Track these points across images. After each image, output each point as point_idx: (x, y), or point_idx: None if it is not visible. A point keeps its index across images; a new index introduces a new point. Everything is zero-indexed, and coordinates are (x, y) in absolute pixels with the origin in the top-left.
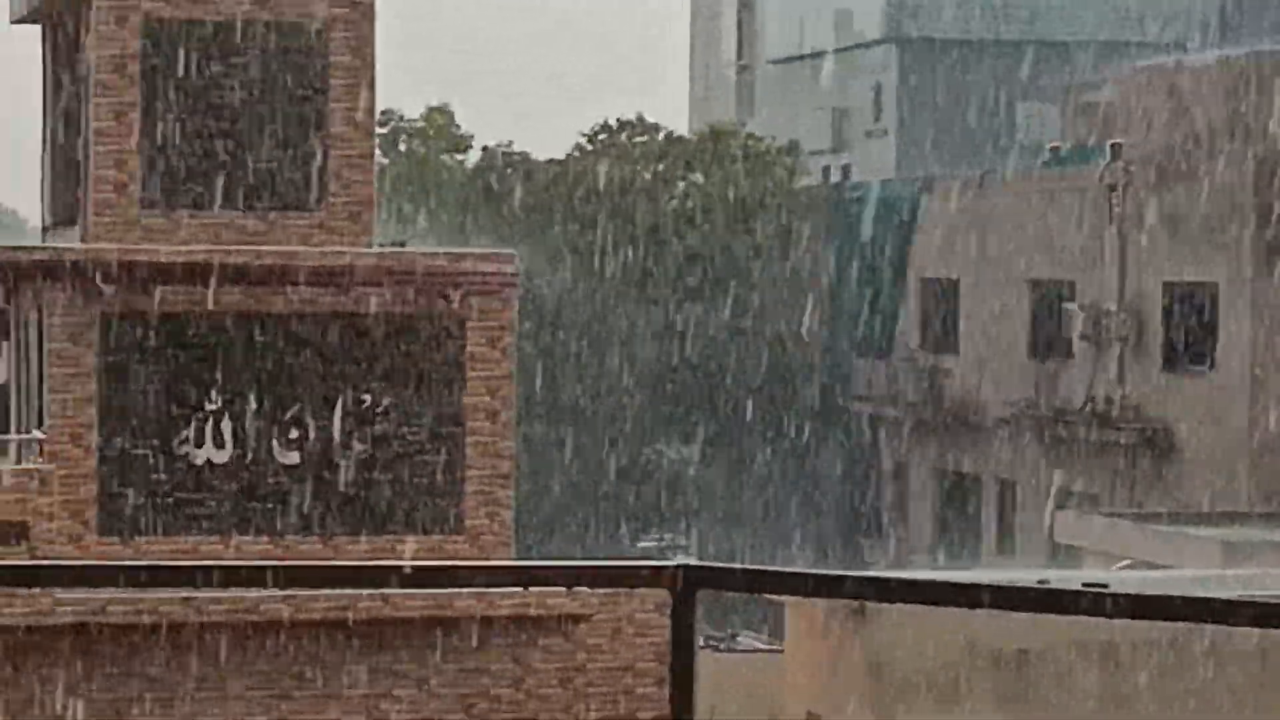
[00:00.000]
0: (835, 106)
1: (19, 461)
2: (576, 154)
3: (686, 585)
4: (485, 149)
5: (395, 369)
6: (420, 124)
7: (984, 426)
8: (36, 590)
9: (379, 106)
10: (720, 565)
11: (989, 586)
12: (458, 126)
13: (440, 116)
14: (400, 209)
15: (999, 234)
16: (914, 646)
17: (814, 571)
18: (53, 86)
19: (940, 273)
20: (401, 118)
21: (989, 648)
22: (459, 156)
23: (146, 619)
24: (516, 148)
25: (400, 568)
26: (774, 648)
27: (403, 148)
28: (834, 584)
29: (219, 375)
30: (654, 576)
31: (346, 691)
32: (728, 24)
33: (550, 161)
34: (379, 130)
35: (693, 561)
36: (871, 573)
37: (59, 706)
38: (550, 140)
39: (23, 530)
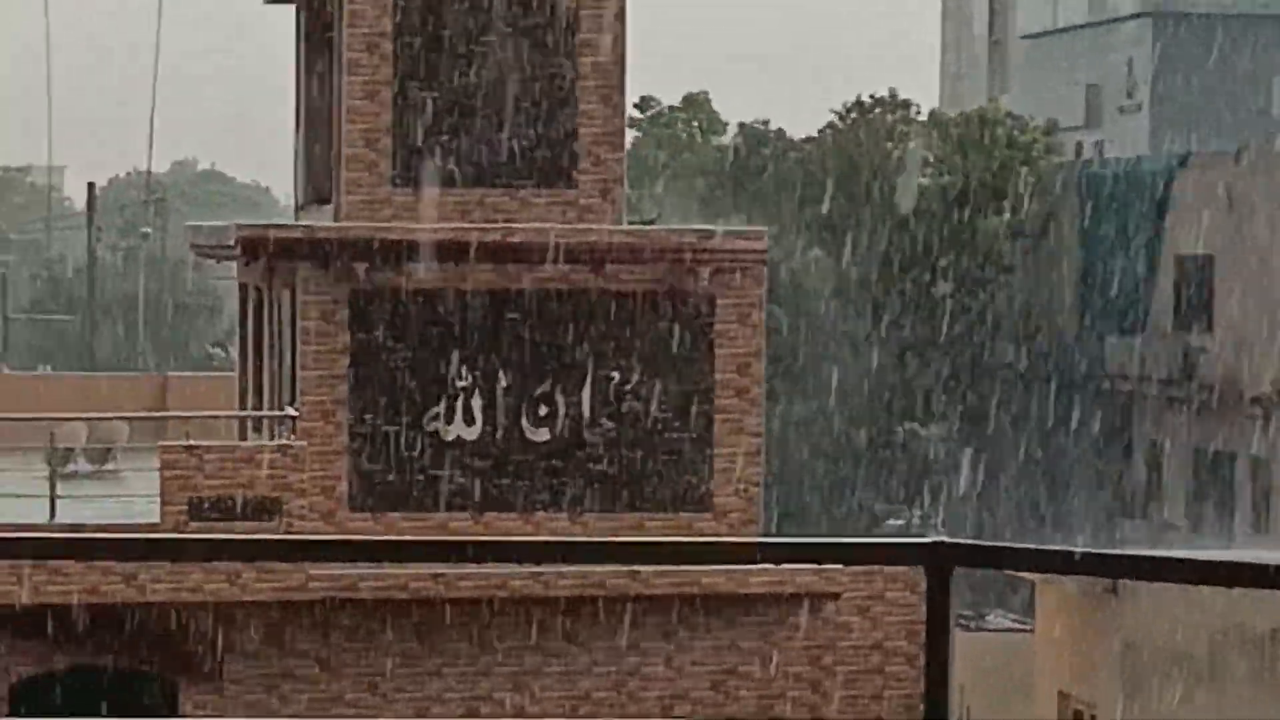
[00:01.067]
0: (1088, 82)
1: (272, 438)
2: (829, 132)
3: (943, 562)
4: (741, 125)
5: (644, 346)
6: (678, 108)
7: (1239, 405)
8: (289, 566)
9: (637, 93)
10: (977, 542)
11: (1248, 565)
12: (714, 110)
13: (697, 101)
14: (656, 189)
15: (1255, 210)
16: (1167, 626)
17: (1072, 549)
18: (305, 66)
19: (1195, 249)
20: (659, 103)
21: (1244, 627)
22: (715, 138)
23: (396, 594)
24: (771, 126)
25: (650, 544)
26: (1024, 627)
27: (660, 130)
28: (1093, 562)
29: (469, 352)
30: (910, 554)
31: (595, 668)
32: (980, 0)
33: (804, 140)
34: (638, 115)
35: (949, 538)
36: (1130, 551)
37: (311, 680)
38: (804, 119)
39: (276, 506)
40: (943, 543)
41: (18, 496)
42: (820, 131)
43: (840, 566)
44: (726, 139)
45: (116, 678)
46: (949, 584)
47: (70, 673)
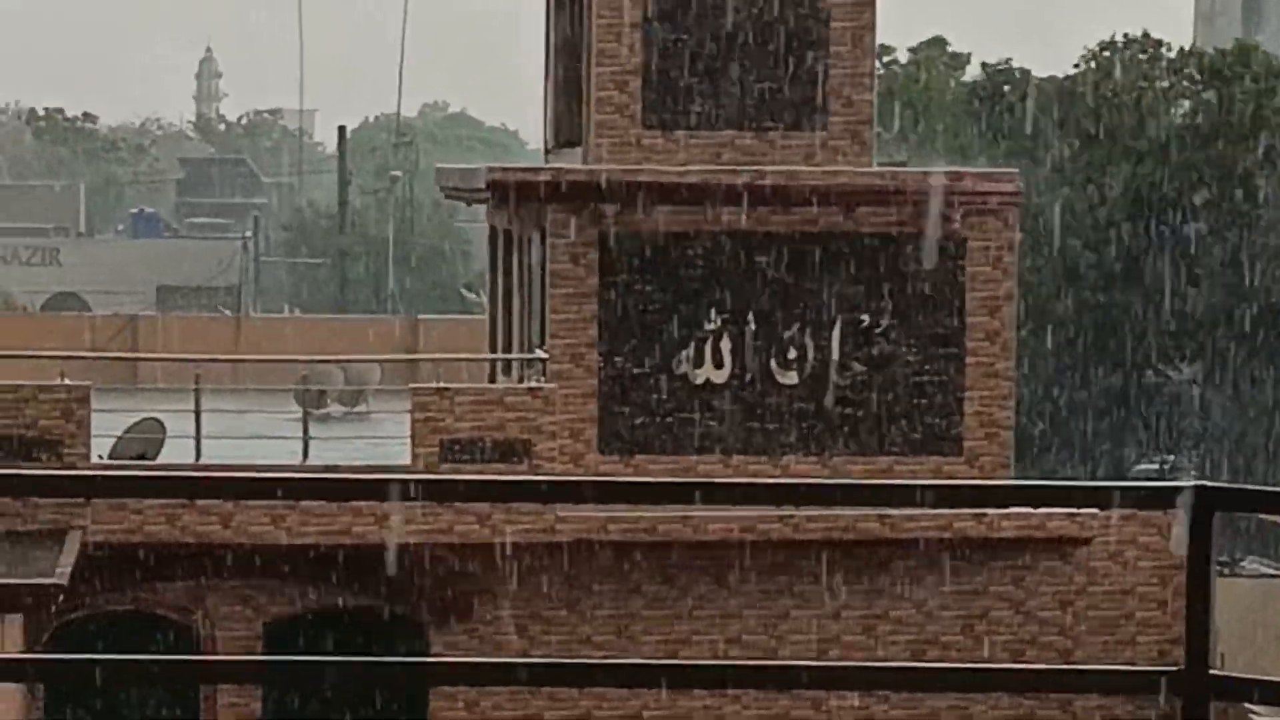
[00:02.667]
0: None
1: (522, 381)
2: (1079, 71)
3: (1202, 507)
4: (984, 65)
5: (894, 289)
6: (921, 48)
7: None
8: (539, 508)
9: (882, 34)
10: (1238, 487)
11: None
12: (957, 51)
13: (940, 41)
14: (900, 128)
15: None
16: None
17: None
18: (556, 7)
19: None
20: (897, 48)
21: None
22: (958, 78)
23: (645, 537)
24: (1016, 64)
25: (915, 488)
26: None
27: (901, 69)
28: None
29: (718, 295)
30: (1170, 498)
31: (845, 612)
32: None
33: (1051, 79)
34: (883, 56)
35: (1210, 482)
36: None
37: (560, 623)
38: (1052, 58)
39: (525, 448)
40: (1204, 487)
41: (271, 438)
42: (1069, 72)
43: (1092, 511)
44: (970, 79)
45: (367, 619)
46: (1210, 528)
47: (322, 614)
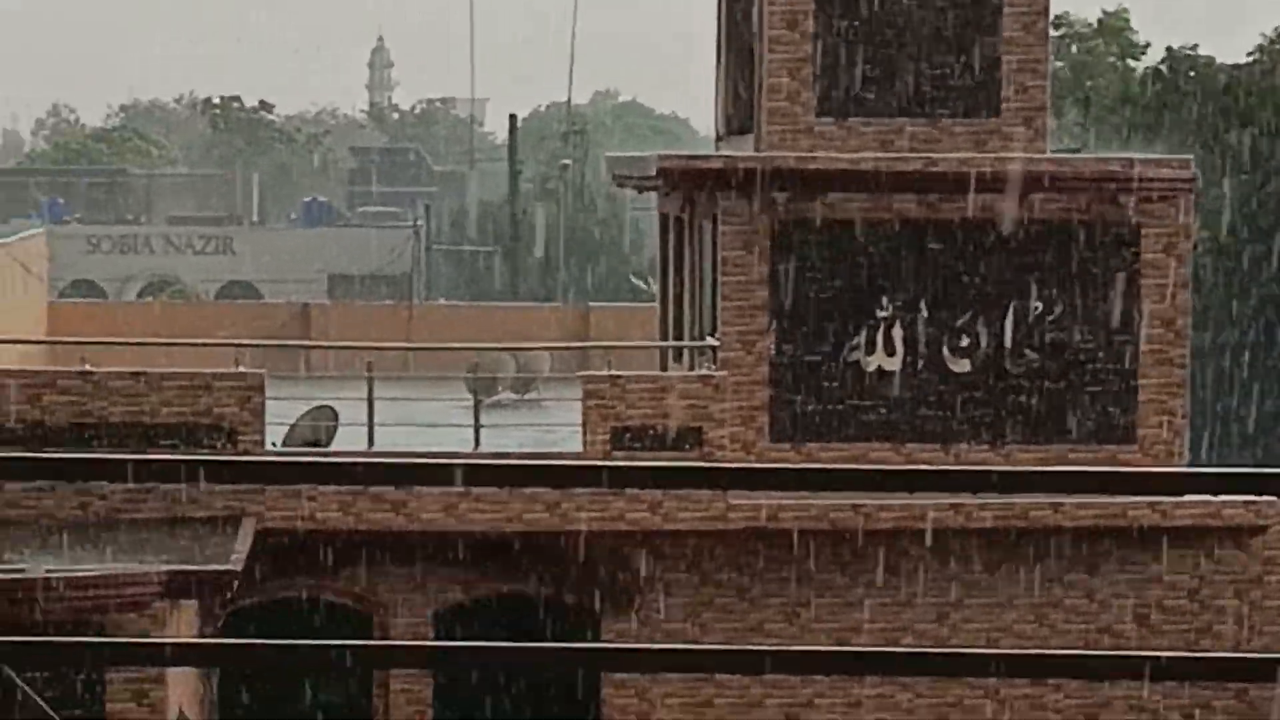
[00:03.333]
0: None
1: (693, 368)
2: (1261, 57)
3: None
4: (1169, 50)
5: (1067, 276)
6: (1094, 28)
7: None
8: (710, 494)
9: (1051, 11)
10: None
11: None
12: (1134, 30)
13: (1116, 20)
14: (1073, 114)
15: None
16: None
17: None
18: None
19: None
20: (1074, 22)
21: None
22: (1134, 62)
23: (817, 525)
24: (1200, 52)
25: (1076, 474)
26: None
27: (1075, 51)
28: None
29: (890, 282)
30: None
31: (1017, 600)
32: None
33: (1234, 66)
34: (1051, 34)
35: None
36: None
37: (731, 610)
38: (1226, 45)
39: (696, 436)
40: None
41: (442, 426)
42: (1250, 58)
43: (1270, 499)
44: (1148, 64)
45: (538, 606)
46: None
47: (493, 601)
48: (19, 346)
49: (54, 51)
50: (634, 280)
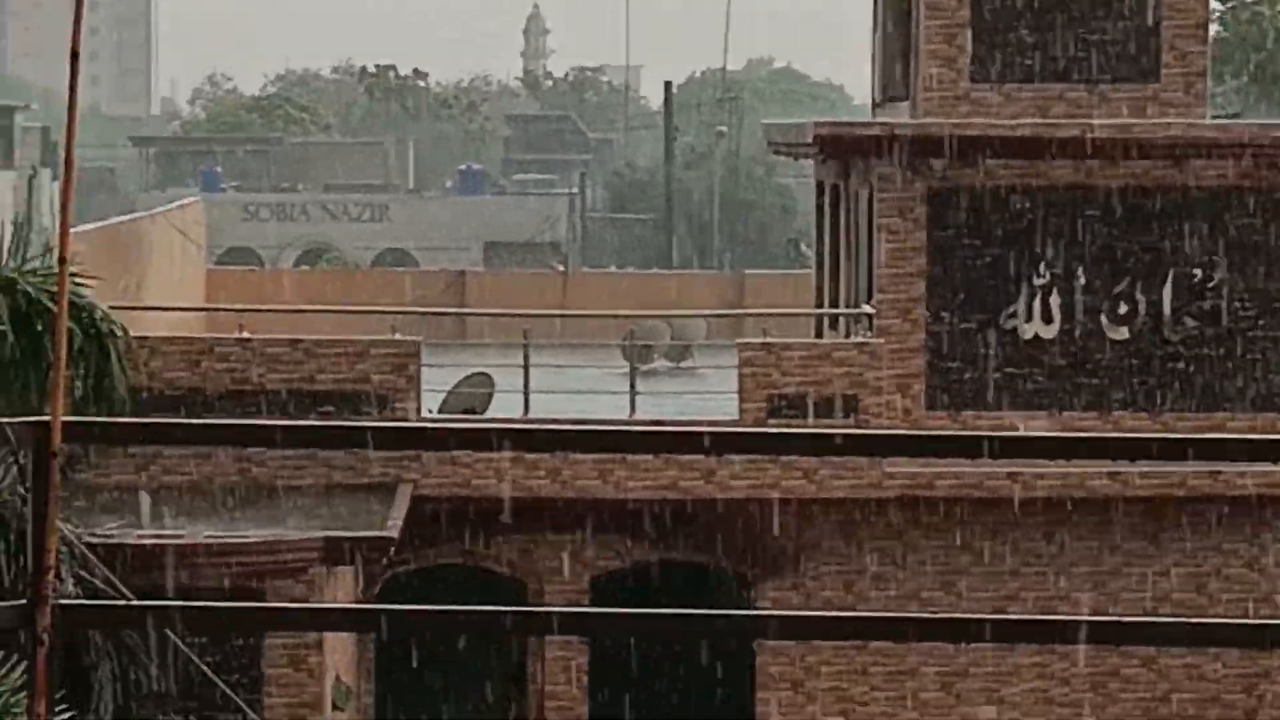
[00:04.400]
0: None
1: (848, 335)
2: None
3: None
4: None
5: (1228, 243)
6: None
7: None
8: (866, 462)
9: None
10: None
11: None
12: None
13: None
14: (1232, 80)
15: None
16: None
17: None
18: None
19: None
20: None
21: None
22: None
23: (973, 492)
24: None
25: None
26: None
27: (1235, 17)
28: None
29: (1047, 249)
30: None
31: (1175, 569)
32: None
33: None
34: (1217, 6)
35: None
36: None
37: (887, 578)
38: None
39: (852, 403)
40: None
41: (598, 393)
42: None
43: None
44: None
45: (693, 573)
46: None
47: (649, 567)
48: (178, 313)
49: (210, 21)
50: (800, 248)
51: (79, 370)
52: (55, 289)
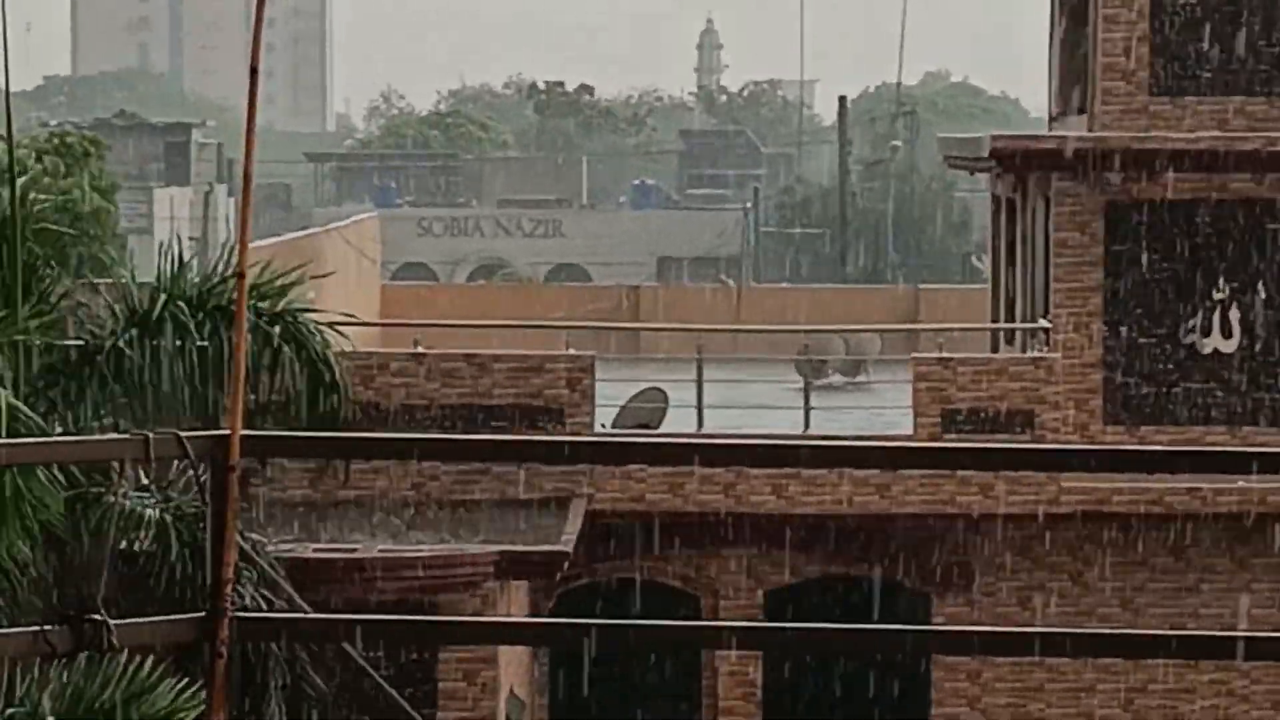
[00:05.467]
0: None
1: (1024, 350)
2: None
3: None
4: None
5: None
6: None
7: None
8: (1043, 478)
9: None
10: None
11: None
12: None
13: None
14: None
15: None
16: None
17: None
18: None
19: None
20: None
21: None
22: None
23: (1152, 509)
24: None
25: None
26: None
27: None
28: None
29: (1227, 263)
30: None
31: None
32: None
33: None
34: None
35: None
36: None
37: (1063, 594)
38: None
39: (1028, 419)
40: None
41: (772, 408)
42: None
43: None
44: None
45: (868, 589)
46: None
47: (822, 583)
48: (353, 328)
49: (384, 38)
50: (974, 261)
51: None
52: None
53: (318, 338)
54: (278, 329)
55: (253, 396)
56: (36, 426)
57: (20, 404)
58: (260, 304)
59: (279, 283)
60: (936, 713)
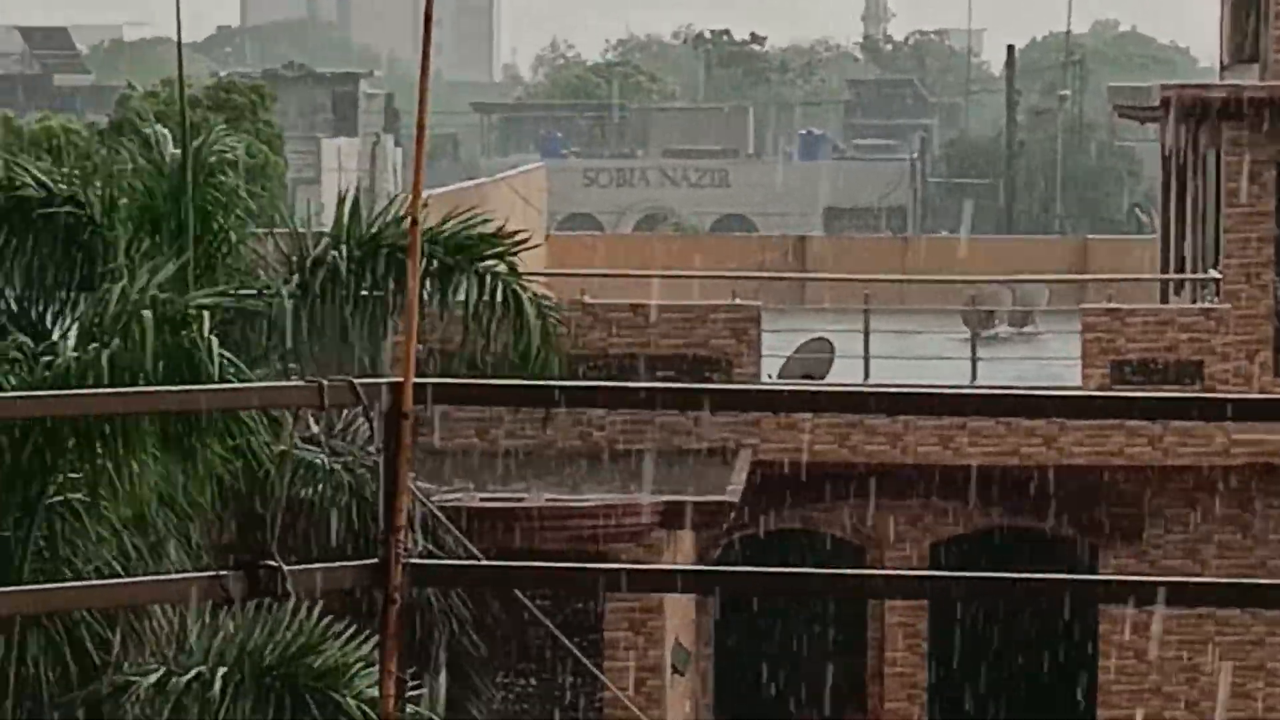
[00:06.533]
0: None
1: (1194, 301)
2: None
3: None
4: None
5: None
6: None
7: None
8: (1212, 429)
9: None
10: None
11: None
12: None
13: None
14: None
15: None
16: None
17: None
18: None
19: None
20: None
21: None
22: None
23: None
24: None
25: None
26: None
27: None
28: None
29: None
30: None
31: None
32: None
33: None
34: None
35: None
36: None
37: (1232, 547)
38: None
39: (1197, 370)
40: None
41: (938, 359)
42: None
43: None
44: None
45: (1034, 540)
46: None
47: (988, 534)
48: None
49: None
50: (1139, 213)
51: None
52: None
53: (500, 285)
54: (456, 277)
55: (420, 346)
56: (235, 374)
57: (226, 353)
58: (433, 248)
59: (461, 230)
60: (1103, 664)
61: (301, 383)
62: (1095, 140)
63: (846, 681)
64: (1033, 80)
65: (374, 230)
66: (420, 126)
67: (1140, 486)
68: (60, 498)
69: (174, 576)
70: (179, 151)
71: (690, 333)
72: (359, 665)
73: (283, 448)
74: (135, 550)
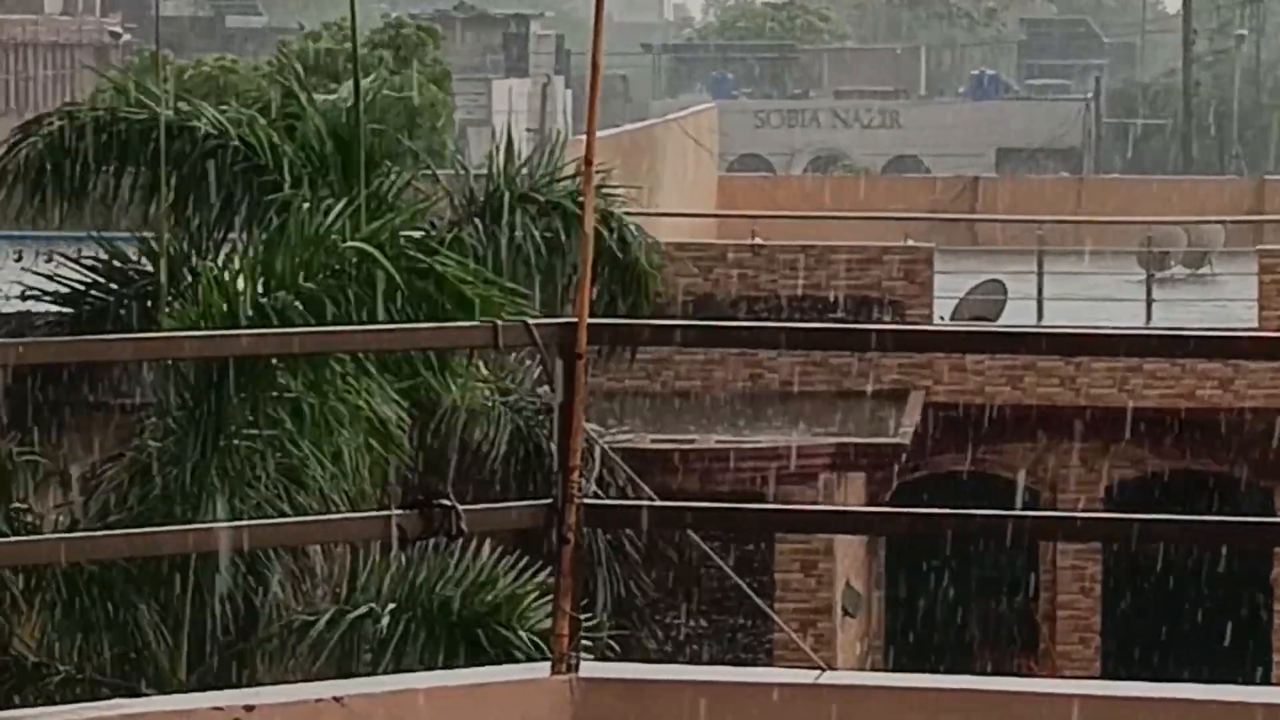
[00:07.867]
0: None
1: None
2: None
3: None
4: None
5: None
6: None
7: None
8: None
9: None
10: None
11: None
12: None
13: None
14: None
15: None
16: None
17: None
18: None
19: None
20: None
21: None
22: None
23: None
24: None
25: None
26: None
27: None
28: None
29: None
30: None
31: None
32: None
33: None
34: None
35: None
36: None
37: None
38: None
39: None
40: None
41: (1112, 301)
42: None
43: None
44: None
45: (1211, 483)
46: None
47: (1165, 476)
48: (690, 220)
49: None
50: None
51: (604, 278)
52: (580, 195)
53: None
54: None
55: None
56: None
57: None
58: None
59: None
60: (1278, 608)
61: (477, 323)
62: (1273, 81)
63: (1017, 624)
64: (1209, 19)
65: (545, 173)
66: (595, 66)
67: None
68: (253, 432)
69: (349, 515)
70: (346, 93)
71: (862, 274)
72: (531, 598)
73: (460, 381)
74: (320, 489)
